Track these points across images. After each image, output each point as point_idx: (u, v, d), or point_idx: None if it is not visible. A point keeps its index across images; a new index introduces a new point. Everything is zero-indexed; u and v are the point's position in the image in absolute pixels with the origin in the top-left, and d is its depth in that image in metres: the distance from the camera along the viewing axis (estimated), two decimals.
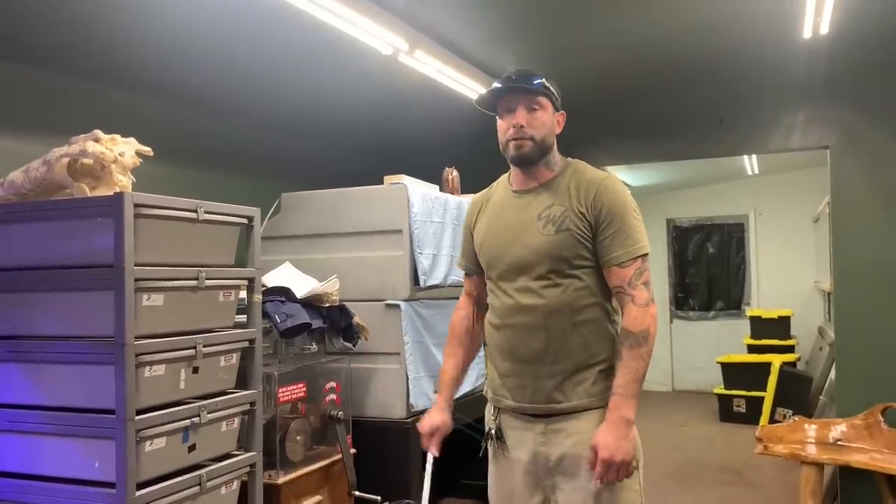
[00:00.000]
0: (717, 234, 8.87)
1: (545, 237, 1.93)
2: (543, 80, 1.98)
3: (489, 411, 2.10)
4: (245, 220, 2.49)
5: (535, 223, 1.95)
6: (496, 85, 2.02)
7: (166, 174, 3.07)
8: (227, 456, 2.40)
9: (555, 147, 2.03)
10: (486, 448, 2.09)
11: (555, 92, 2.01)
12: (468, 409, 3.28)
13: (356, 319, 3.28)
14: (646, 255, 1.93)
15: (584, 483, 1.90)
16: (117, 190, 2.12)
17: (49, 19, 2.51)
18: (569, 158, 2.07)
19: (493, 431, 2.05)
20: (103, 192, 2.16)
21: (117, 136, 2.22)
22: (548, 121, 1.98)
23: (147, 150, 2.26)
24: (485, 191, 2.19)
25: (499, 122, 2.02)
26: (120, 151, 2.18)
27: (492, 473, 2.10)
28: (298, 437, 2.96)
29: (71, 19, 2.55)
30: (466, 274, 2.23)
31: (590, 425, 1.91)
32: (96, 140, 2.17)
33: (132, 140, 2.25)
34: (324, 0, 2.51)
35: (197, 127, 3.52)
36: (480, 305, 2.18)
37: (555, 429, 1.94)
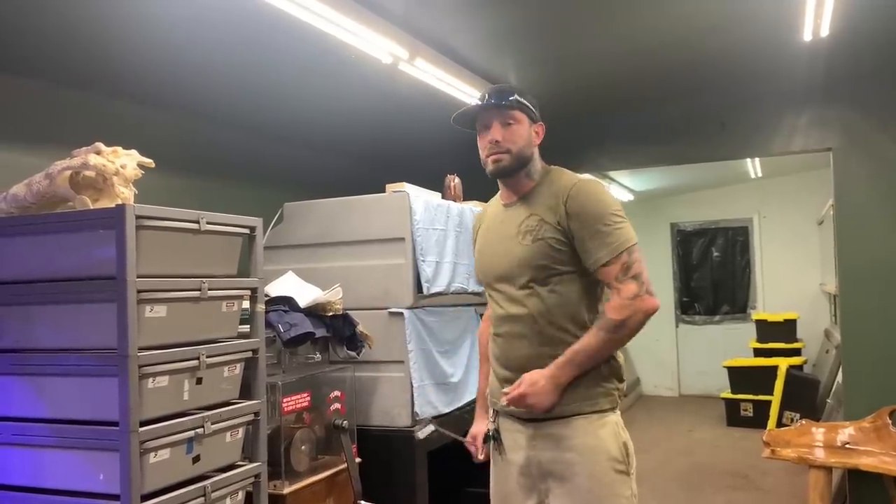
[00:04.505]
0: (721, 238, 8.86)
1: (523, 248, 1.98)
2: (517, 95, 2.03)
3: (490, 414, 2.15)
4: (247, 231, 2.49)
5: (516, 235, 2.01)
6: (472, 104, 2.10)
7: (168, 185, 3.08)
8: (232, 467, 2.39)
9: (535, 157, 2.08)
10: (487, 450, 2.16)
11: (530, 105, 2.05)
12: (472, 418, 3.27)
13: (360, 328, 3.27)
14: (631, 247, 1.90)
15: (576, 487, 1.92)
16: (119, 202, 2.13)
17: (50, 31, 2.52)
18: (550, 166, 2.10)
19: (491, 433, 2.11)
20: (105, 204, 2.16)
21: (119, 149, 2.23)
22: (524, 133, 2.03)
23: (149, 161, 2.27)
24: (486, 205, 2.28)
25: (478, 139, 2.08)
26: (121, 163, 2.19)
27: (492, 474, 2.15)
28: (303, 447, 2.95)
29: (72, 31, 2.56)
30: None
31: (579, 430, 1.94)
32: (98, 152, 2.18)
33: (134, 152, 2.25)
34: (324, 10, 2.52)
35: (198, 138, 3.53)
36: None
37: (545, 433, 1.97)
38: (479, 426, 2.24)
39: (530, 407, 1.90)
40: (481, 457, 2.18)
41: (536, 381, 1.89)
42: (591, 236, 1.91)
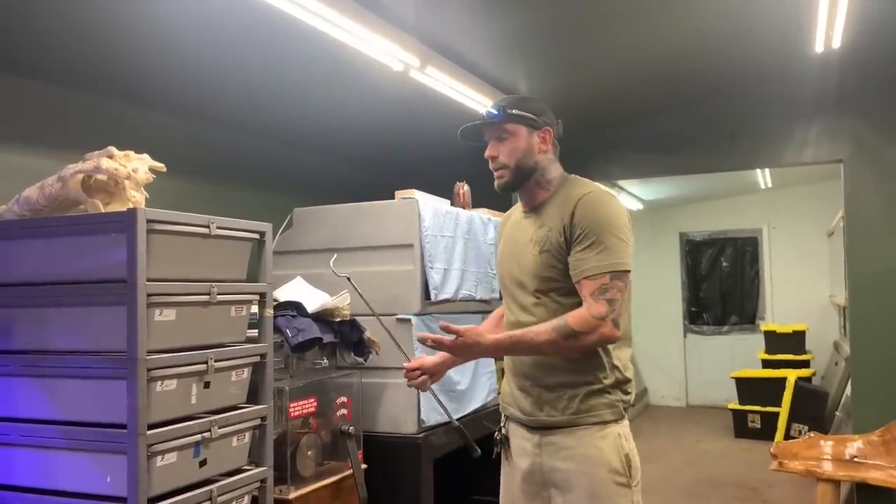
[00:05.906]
0: (730, 248, 8.83)
1: (532, 258, 1.99)
2: (506, 106, 2.01)
3: (501, 420, 2.17)
4: (257, 236, 2.50)
5: (529, 245, 2.01)
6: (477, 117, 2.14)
7: (179, 190, 3.09)
8: (238, 471, 2.40)
9: (548, 165, 2.05)
10: (498, 452, 2.17)
11: (527, 112, 2.01)
12: (479, 425, 3.27)
13: (367, 334, 3.28)
14: (620, 273, 1.85)
15: (575, 498, 1.93)
16: (130, 206, 2.14)
17: (62, 35, 2.55)
18: (570, 175, 2.08)
19: (500, 438, 2.14)
20: (117, 207, 2.17)
21: (131, 153, 2.25)
22: (520, 145, 2.01)
23: (160, 166, 2.28)
24: (511, 210, 2.27)
25: None
26: (133, 167, 2.20)
27: (501, 478, 2.17)
28: (309, 452, 2.95)
29: (86, 35, 2.58)
30: None
31: (580, 440, 1.94)
32: (110, 156, 2.20)
33: (145, 156, 2.27)
34: (336, 17, 2.53)
35: (210, 142, 3.55)
36: None
37: (548, 441, 1.98)
38: (437, 357, 2.25)
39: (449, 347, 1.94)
40: (412, 373, 2.24)
41: (475, 338, 1.92)
42: (585, 248, 1.88)
